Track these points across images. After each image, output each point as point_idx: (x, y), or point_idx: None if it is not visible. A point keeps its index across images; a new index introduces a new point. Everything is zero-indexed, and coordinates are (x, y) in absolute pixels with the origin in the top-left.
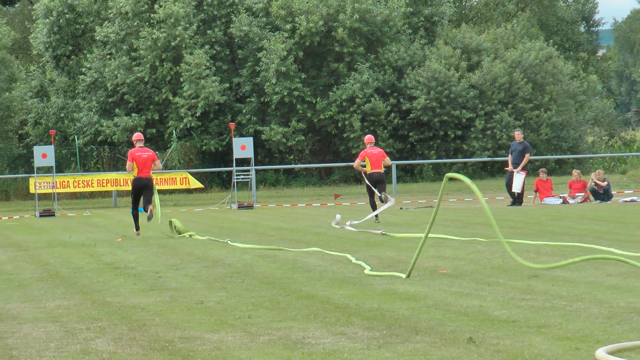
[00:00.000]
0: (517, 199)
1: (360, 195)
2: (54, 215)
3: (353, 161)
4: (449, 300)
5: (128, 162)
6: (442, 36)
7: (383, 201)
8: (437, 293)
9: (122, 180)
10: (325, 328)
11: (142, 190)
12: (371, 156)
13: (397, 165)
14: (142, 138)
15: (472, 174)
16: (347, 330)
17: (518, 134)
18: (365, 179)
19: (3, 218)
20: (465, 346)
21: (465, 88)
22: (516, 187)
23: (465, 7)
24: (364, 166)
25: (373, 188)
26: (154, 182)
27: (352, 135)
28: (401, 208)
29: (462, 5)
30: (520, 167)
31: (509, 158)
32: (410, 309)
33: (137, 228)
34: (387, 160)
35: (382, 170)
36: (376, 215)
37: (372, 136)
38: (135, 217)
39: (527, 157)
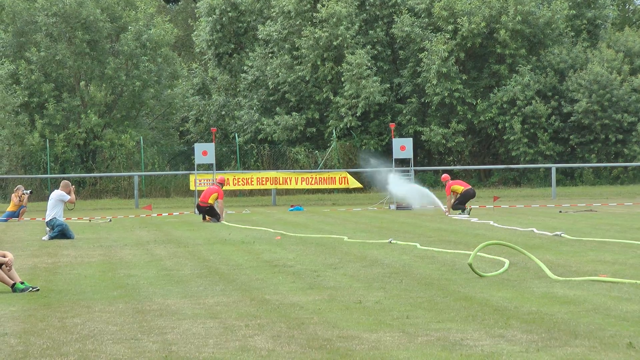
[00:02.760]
0: None
1: (519, 198)
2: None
3: (513, 164)
4: (608, 304)
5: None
6: (605, 39)
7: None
8: (596, 297)
9: (281, 178)
10: (483, 330)
11: (205, 216)
12: (459, 182)
13: (557, 169)
14: (222, 181)
15: (633, 178)
16: (506, 333)
17: None
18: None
19: (163, 214)
20: (625, 351)
21: (628, 92)
22: None
23: (629, 11)
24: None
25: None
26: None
27: (512, 138)
28: (560, 211)
29: (626, 9)
30: None
31: None
32: (569, 312)
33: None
34: None
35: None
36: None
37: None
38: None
39: None
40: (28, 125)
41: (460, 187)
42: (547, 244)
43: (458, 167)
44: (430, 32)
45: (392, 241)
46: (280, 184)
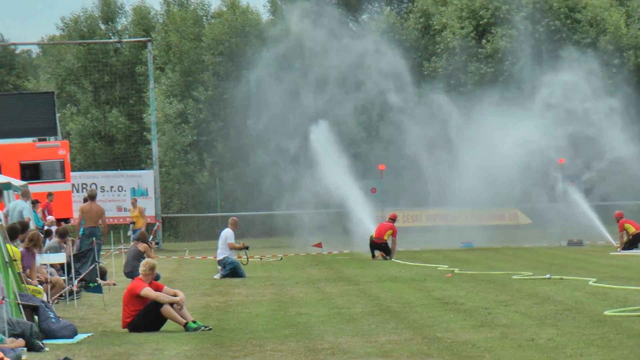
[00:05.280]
0: None
1: None
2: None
3: None
4: None
5: None
6: None
7: None
8: None
9: (451, 215)
10: None
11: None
12: (632, 223)
13: None
14: (394, 217)
15: None
16: None
17: None
18: None
19: (334, 252)
20: None
21: None
22: None
23: None
24: None
25: None
26: None
27: None
28: None
29: None
30: None
31: None
32: None
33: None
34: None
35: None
36: None
37: None
38: None
39: None
40: (197, 164)
41: (632, 227)
42: None
43: (634, 202)
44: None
45: (549, 277)
46: (450, 220)
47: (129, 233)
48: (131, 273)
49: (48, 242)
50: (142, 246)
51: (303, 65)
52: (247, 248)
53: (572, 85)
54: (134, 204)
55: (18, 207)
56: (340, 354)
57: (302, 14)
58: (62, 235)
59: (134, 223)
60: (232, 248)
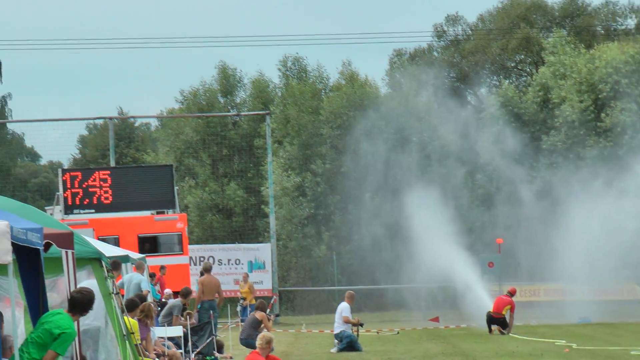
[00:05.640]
0: None
1: None
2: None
3: None
4: None
5: None
6: None
7: None
8: None
9: (567, 289)
10: None
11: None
12: None
13: None
14: (514, 292)
15: None
16: None
17: None
18: None
19: (450, 326)
20: None
21: None
22: None
23: None
24: None
25: None
26: None
27: None
28: None
29: None
30: None
31: None
32: None
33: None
34: None
35: None
36: None
37: None
38: None
39: None
40: (315, 237)
41: None
42: None
43: None
44: None
45: None
46: (567, 295)
47: (238, 308)
48: (246, 340)
49: (172, 301)
50: (259, 314)
51: (420, 139)
52: (361, 325)
53: None
54: (245, 279)
55: (135, 279)
56: None
57: (420, 87)
58: (185, 295)
59: (244, 299)
60: (346, 322)
